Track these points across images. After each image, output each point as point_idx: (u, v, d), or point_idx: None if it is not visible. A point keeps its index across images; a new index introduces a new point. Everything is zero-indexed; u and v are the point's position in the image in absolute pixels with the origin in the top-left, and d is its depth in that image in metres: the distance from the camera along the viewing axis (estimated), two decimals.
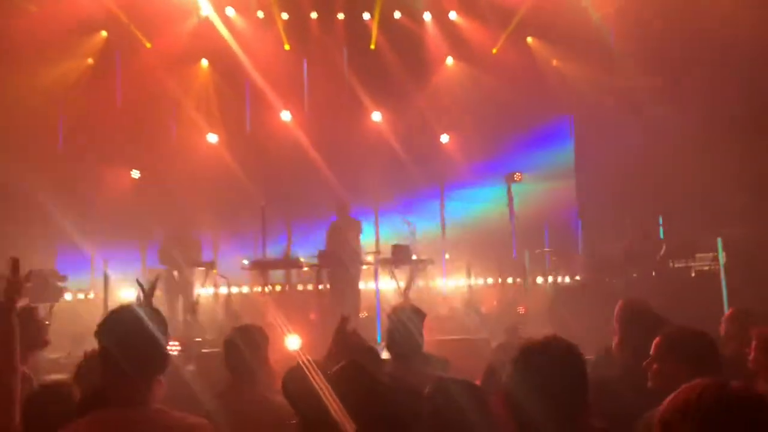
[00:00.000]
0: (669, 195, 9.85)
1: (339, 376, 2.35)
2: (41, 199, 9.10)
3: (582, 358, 2.08)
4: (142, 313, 2.26)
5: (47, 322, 4.27)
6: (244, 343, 3.30)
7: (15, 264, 2.76)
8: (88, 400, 2.39)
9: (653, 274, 8.22)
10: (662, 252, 8.05)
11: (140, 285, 2.99)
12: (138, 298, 2.96)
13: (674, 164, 10.04)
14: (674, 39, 9.76)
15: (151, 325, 2.21)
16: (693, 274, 8.25)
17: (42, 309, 6.71)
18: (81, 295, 8.82)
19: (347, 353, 2.88)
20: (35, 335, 3.96)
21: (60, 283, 7.19)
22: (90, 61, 10.32)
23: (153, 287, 2.98)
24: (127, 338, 2.18)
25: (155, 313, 2.30)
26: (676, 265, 8.21)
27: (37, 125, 9.48)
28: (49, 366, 5.56)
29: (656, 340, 2.82)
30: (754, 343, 3.44)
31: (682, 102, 9.71)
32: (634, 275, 8.36)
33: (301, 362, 2.72)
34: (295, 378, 2.62)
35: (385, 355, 3.79)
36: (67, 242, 8.55)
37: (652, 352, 2.81)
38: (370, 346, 3.39)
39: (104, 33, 10.27)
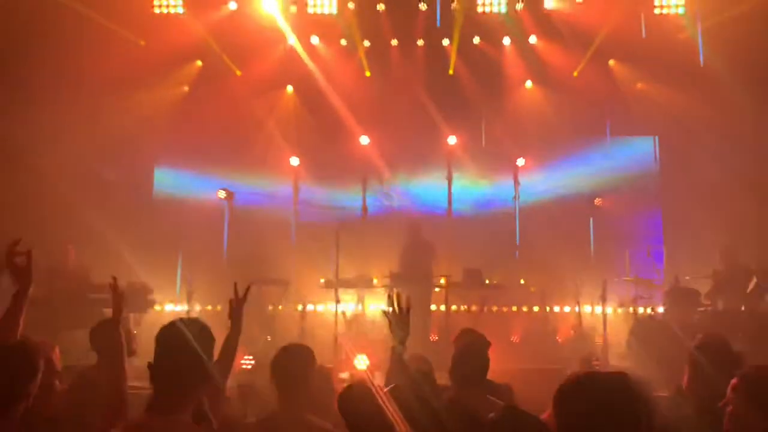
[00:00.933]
0: (762, 223, 9.30)
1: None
2: (133, 215, 9.83)
3: (638, 397, 1.96)
4: (187, 329, 2.40)
5: (134, 332, 4.62)
6: (288, 363, 3.30)
7: (115, 284, 3.08)
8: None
9: (742, 308, 7.75)
10: (753, 285, 7.58)
11: (236, 292, 3.23)
12: (230, 303, 3.19)
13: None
14: None
15: (193, 342, 2.35)
16: None
17: (132, 319, 7.24)
18: (169, 307, 9.37)
19: (402, 378, 2.93)
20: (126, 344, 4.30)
21: (148, 295, 7.70)
22: (186, 88, 11.04)
23: (245, 297, 3.22)
24: (167, 352, 2.36)
25: (203, 330, 2.44)
26: None
27: (135, 148, 10.26)
28: (135, 372, 5.95)
29: (733, 381, 2.70)
30: None
31: None
32: (721, 309, 7.91)
33: (368, 382, 2.80)
34: (353, 396, 2.70)
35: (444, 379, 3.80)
36: (158, 255, 9.17)
37: (728, 393, 2.69)
38: (425, 371, 3.41)
39: (199, 62, 10.97)
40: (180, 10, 10.21)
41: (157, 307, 8.29)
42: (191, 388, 2.34)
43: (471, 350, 3.57)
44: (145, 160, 10.74)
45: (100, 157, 9.96)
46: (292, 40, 10.80)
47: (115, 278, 3.10)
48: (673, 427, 2.88)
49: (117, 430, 2.34)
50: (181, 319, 2.50)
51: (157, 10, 10.18)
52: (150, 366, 2.36)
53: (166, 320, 2.49)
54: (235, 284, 3.24)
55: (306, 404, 3.21)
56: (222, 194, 8.98)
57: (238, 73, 10.90)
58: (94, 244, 8.48)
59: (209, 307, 8.91)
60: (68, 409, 3.24)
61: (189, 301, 8.16)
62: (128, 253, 8.05)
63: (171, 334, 2.39)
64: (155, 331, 2.43)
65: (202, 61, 10.94)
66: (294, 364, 3.29)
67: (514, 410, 2.58)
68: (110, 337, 2.98)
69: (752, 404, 2.59)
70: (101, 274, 7.78)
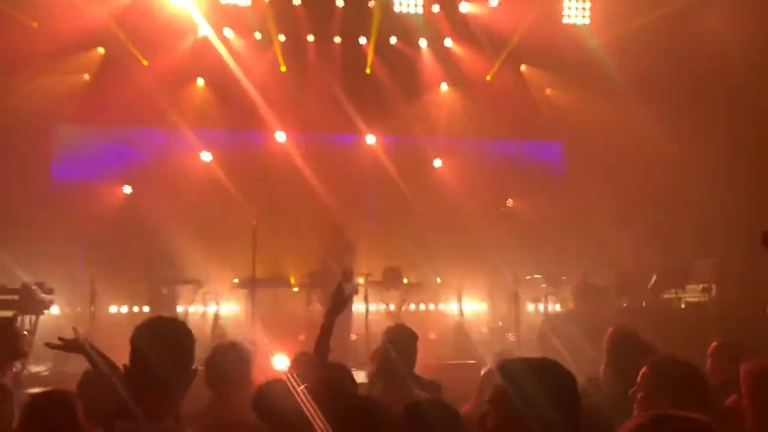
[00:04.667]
0: (662, 223, 9.90)
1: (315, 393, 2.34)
2: (29, 211, 9.08)
3: (572, 376, 2.01)
4: (172, 327, 2.29)
5: (25, 333, 4.23)
6: (225, 361, 3.21)
7: None
8: (115, 411, 2.39)
9: (643, 304, 8.22)
10: (653, 281, 8.06)
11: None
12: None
13: (669, 192, 10.14)
14: (670, 67, 9.93)
15: (181, 341, 2.23)
16: (683, 306, 8.26)
17: (27, 321, 6.65)
18: (68, 309, 8.69)
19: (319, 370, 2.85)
20: (13, 346, 3.94)
21: (46, 296, 7.08)
22: (86, 76, 10.33)
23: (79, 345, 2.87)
24: (155, 353, 2.18)
25: (184, 328, 2.33)
26: (666, 296, 8.22)
27: (29, 137, 9.48)
28: (32, 379, 5.46)
29: (643, 369, 2.82)
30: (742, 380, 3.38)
31: (677, 128, 9.85)
32: (625, 305, 8.35)
33: (288, 380, 2.70)
34: (270, 393, 2.58)
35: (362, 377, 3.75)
36: (58, 255, 8.50)
37: (638, 380, 2.81)
38: (340, 363, 3.36)
39: (101, 50, 10.30)
40: None
41: (55, 309, 7.66)
42: (177, 393, 2.19)
43: (402, 341, 3.53)
44: (41, 151, 9.92)
45: None
46: (205, 30, 10.36)
47: None
48: (589, 412, 2.96)
49: None
50: (160, 318, 2.36)
51: None
52: (127, 370, 2.18)
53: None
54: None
55: (244, 403, 3.09)
56: (128, 189, 8.47)
57: (145, 63, 10.34)
58: None
59: (115, 309, 8.37)
60: None
61: (92, 302, 7.60)
62: (23, 251, 7.40)
63: (152, 335, 2.21)
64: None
65: (105, 48, 10.27)
66: (231, 362, 3.19)
67: (434, 401, 2.59)
68: None
69: (661, 389, 2.70)
70: None
